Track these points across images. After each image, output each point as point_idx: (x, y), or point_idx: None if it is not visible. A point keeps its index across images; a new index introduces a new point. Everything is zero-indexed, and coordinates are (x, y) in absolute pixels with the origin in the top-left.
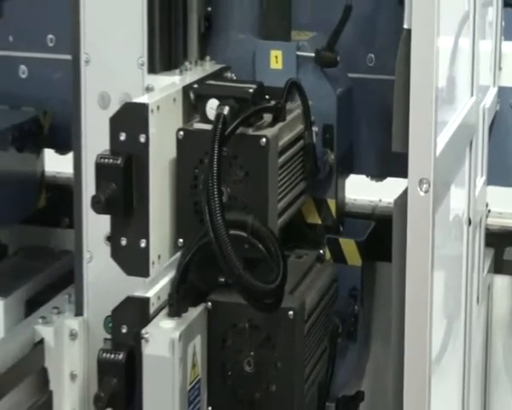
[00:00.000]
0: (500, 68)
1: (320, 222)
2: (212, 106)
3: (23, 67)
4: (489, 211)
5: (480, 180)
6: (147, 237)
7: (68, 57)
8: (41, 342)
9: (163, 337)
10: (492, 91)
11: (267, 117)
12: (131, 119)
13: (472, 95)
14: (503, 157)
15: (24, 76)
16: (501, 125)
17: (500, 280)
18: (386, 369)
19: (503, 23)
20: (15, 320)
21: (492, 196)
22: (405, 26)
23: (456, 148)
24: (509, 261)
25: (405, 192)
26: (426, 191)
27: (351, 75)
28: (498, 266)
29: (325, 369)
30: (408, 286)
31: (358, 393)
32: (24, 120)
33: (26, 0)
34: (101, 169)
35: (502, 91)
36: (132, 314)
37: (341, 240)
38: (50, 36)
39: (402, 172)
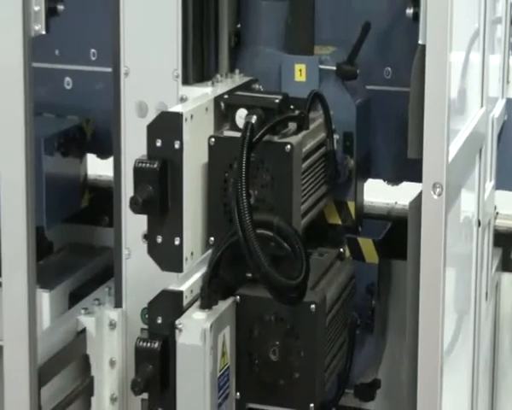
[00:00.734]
0: (508, 81)
1: (340, 223)
2: (241, 115)
3: (68, 79)
4: (497, 213)
5: (489, 185)
6: (181, 235)
7: (109, 70)
8: (83, 331)
9: (195, 328)
10: (501, 103)
11: (292, 125)
12: (167, 126)
13: (482, 106)
14: (510, 163)
15: (69, 87)
16: (509, 134)
17: (507, 278)
18: (401, 359)
19: (511, 39)
20: (60, 311)
21: (500, 200)
22: (420, 42)
23: (467, 154)
24: None
25: (420, 195)
26: (439, 195)
27: (369, 87)
28: (506, 265)
29: (344, 358)
30: (422, 282)
31: (375, 380)
32: (68, 128)
33: (71, 17)
34: (138, 173)
35: (509, 103)
36: (167, 306)
37: (360, 239)
38: (93, 50)
39: (416, 176)
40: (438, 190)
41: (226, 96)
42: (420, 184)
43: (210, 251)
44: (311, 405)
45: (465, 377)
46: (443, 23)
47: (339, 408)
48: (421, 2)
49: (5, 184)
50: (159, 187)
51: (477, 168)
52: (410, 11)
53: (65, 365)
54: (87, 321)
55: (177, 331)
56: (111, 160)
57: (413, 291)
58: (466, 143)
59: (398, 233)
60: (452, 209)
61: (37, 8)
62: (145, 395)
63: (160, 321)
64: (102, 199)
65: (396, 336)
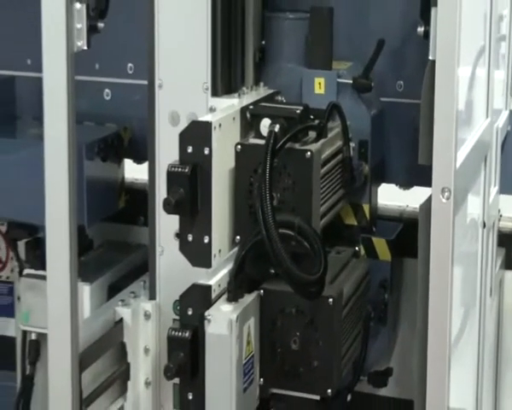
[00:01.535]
0: (511, 95)
1: (356, 223)
2: (265, 124)
3: (107, 91)
4: (501, 216)
5: (494, 189)
6: (209, 234)
7: (145, 82)
8: (120, 321)
9: (223, 319)
10: (504, 114)
11: (312, 134)
12: (197, 134)
13: (487, 117)
14: None
15: (108, 98)
16: (511, 143)
17: (510, 275)
18: (412, 349)
19: None
20: (99, 303)
21: (504, 203)
22: (430, 58)
23: (474, 161)
24: None
25: (429, 199)
26: (447, 198)
27: (383, 99)
28: (509, 264)
29: (359, 348)
30: (431, 279)
31: (388, 369)
32: (107, 135)
33: (110, 34)
34: (171, 176)
35: None
36: (197, 299)
37: (374, 239)
38: (130, 64)
39: (426, 181)
40: (446, 194)
41: (251, 107)
42: (429, 189)
43: (236, 249)
44: (329, 390)
45: (471, 365)
46: (451, 40)
47: (354, 394)
48: (432, 21)
49: (50, 187)
50: (190, 190)
51: (482, 174)
52: (421, 29)
53: (103, 351)
54: (124, 312)
55: (206, 322)
56: (146, 164)
57: (423, 287)
58: (472, 151)
59: (409, 233)
60: (459, 212)
61: (79, 26)
62: (176, 380)
63: (190, 312)
64: (138, 200)
65: (407, 328)
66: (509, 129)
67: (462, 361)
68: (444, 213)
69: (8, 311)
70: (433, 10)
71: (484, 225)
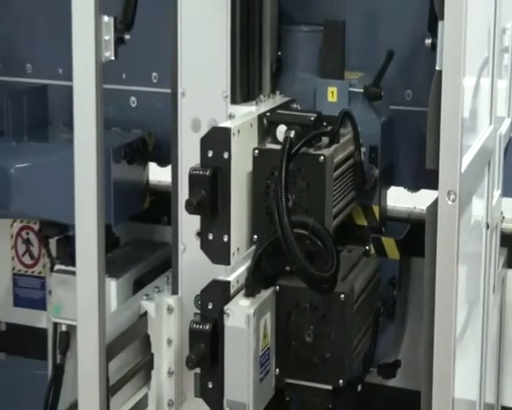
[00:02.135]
0: None
1: (366, 224)
2: (281, 130)
3: (133, 98)
4: (503, 217)
5: (497, 192)
6: (228, 233)
7: (168, 91)
8: (145, 314)
9: (241, 313)
10: (507, 121)
11: (325, 140)
12: (217, 139)
13: (490, 124)
14: None
15: (134, 105)
16: None
17: None
18: (419, 342)
19: None
20: (125, 297)
21: (506, 205)
22: (437, 68)
23: (478, 166)
24: None
25: (436, 201)
26: (453, 201)
27: (392, 107)
28: (511, 263)
29: (369, 341)
30: (437, 277)
31: (396, 361)
32: (133, 140)
33: (136, 46)
34: (193, 179)
35: None
36: (217, 294)
37: (383, 239)
38: (154, 74)
39: (433, 184)
40: (452, 196)
41: (268, 114)
42: (436, 192)
43: (253, 247)
44: (341, 381)
45: (475, 358)
46: (457, 52)
47: (364, 384)
48: (439, 33)
49: (79, 188)
50: (210, 191)
51: (486, 178)
52: (428, 41)
53: (129, 343)
54: (148, 306)
55: (225, 316)
56: (169, 167)
57: (430, 284)
58: (477, 156)
59: (416, 234)
60: (464, 214)
61: (107, 38)
62: (197, 370)
63: (210, 307)
64: (162, 201)
65: (414, 323)
66: (511, 135)
67: (467, 354)
68: (449, 215)
69: (40, 304)
70: (440, 23)
71: (487, 226)
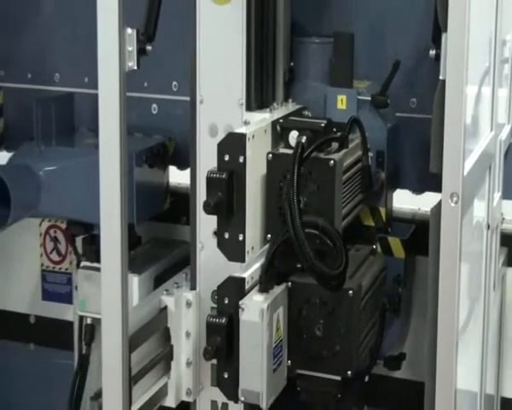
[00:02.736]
0: None
1: (373, 224)
2: (293, 136)
3: (154, 106)
4: (503, 218)
5: (497, 195)
6: (243, 232)
7: (187, 98)
8: (165, 308)
9: (255, 307)
10: (507, 128)
11: (334, 145)
12: (233, 144)
13: (491, 130)
14: None
15: (155, 112)
16: None
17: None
18: (423, 336)
19: None
20: (146, 292)
21: (506, 207)
22: (441, 77)
23: (479, 170)
24: None
25: (439, 203)
26: (455, 203)
27: (398, 114)
28: (510, 261)
29: (376, 335)
30: (441, 274)
31: (401, 354)
32: (154, 145)
33: (157, 56)
34: (210, 181)
35: None
36: (232, 290)
37: (389, 238)
38: (174, 82)
39: (437, 187)
40: (455, 198)
41: (281, 121)
42: (440, 194)
43: (267, 246)
44: (349, 372)
45: (476, 351)
46: (460, 62)
47: (371, 376)
48: (442, 45)
49: (104, 190)
50: (226, 193)
51: (487, 181)
52: (432, 52)
53: (150, 335)
54: (168, 300)
55: (240, 310)
56: (188, 171)
57: (434, 282)
58: (478, 161)
59: (420, 234)
60: (467, 215)
61: (130, 49)
62: (214, 361)
63: (226, 301)
64: (181, 202)
65: (419, 318)
66: (511, 141)
67: (468, 348)
68: (452, 216)
69: (66, 298)
70: (443, 35)
71: (488, 227)
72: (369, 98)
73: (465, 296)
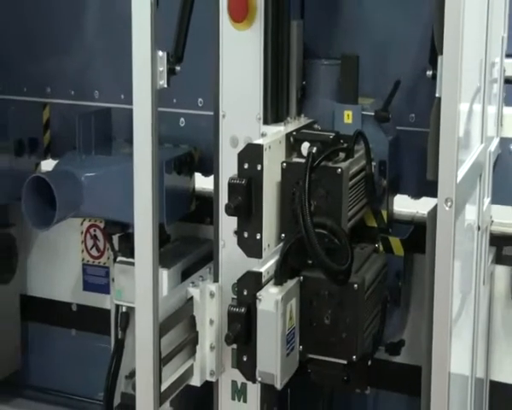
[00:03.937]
0: (501, 125)
1: (376, 225)
2: (305, 146)
3: (182, 119)
4: (492, 221)
5: (487, 200)
6: (261, 232)
7: (211, 113)
8: (191, 298)
9: (270, 299)
10: (496, 141)
11: (341, 155)
12: (252, 154)
13: (482, 142)
14: (502, 185)
15: (182, 125)
16: (501, 164)
17: (499, 269)
18: (421, 325)
19: (505, 94)
20: (175, 284)
21: (495, 211)
22: (437, 95)
23: (471, 178)
24: (506, 256)
25: (435, 207)
26: (450, 207)
27: (398, 128)
28: (498, 259)
29: (378, 324)
30: (436, 271)
31: (401, 341)
32: (182, 154)
33: (185, 76)
34: (231, 186)
35: (502, 141)
36: (250, 283)
37: (390, 238)
38: (200, 99)
39: (433, 193)
40: (449, 203)
41: (294, 133)
42: (435, 199)
43: (281, 244)
44: (354, 356)
45: (468, 339)
46: (454, 82)
47: (373, 360)
48: (438, 66)
49: (138, 193)
50: (246, 197)
51: (478, 188)
52: (429, 72)
53: (178, 322)
54: (194, 291)
55: (257, 301)
56: (212, 177)
57: (430, 277)
58: (470, 170)
59: (418, 234)
60: (459, 218)
61: (161, 69)
62: (234, 346)
63: (245, 293)
64: (205, 205)
65: (417, 309)
66: (499, 152)
67: (461, 336)
68: (447, 219)
69: (104, 289)
70: (439, 58)
71: (479, 228)
72: (373, 113)
73: (458, 290)
